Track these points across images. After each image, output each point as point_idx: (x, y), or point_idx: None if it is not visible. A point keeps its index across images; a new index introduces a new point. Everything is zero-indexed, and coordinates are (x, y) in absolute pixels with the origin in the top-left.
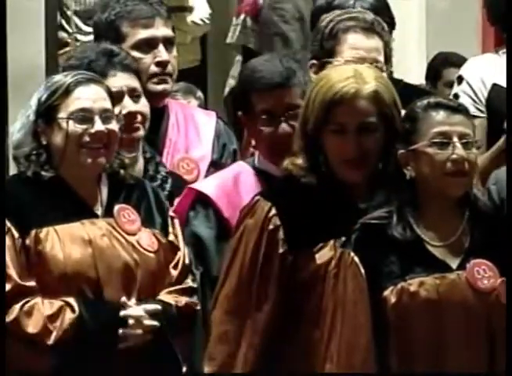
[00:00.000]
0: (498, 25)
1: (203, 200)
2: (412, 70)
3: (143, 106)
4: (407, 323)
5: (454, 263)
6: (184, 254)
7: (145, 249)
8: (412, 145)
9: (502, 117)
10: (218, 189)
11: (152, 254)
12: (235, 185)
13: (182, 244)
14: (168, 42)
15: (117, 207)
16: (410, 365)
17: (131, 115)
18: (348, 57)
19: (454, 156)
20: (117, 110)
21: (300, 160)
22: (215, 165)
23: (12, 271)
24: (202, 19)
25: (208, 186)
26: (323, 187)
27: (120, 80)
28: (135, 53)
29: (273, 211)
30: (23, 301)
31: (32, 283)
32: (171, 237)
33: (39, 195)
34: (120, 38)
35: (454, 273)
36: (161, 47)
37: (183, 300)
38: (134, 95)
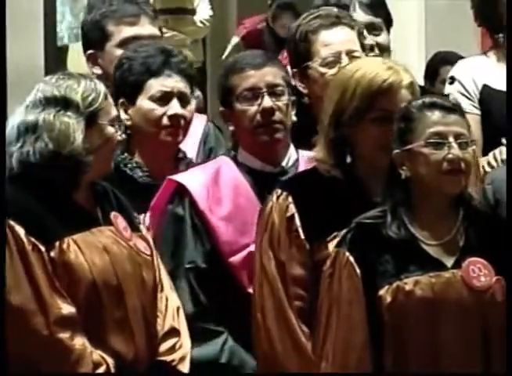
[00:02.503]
0: (485, 26)
1: (181, 192)
2: (411, 69)
3: (189, 112)
4: (403, 322)
5: (449, 262)
6: (155, 257)
7: (143, 253)
8: (408, 145)
9: (493, 117)
10: (197, 182)
11: (149, 257)
12: (215, 179)
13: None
14: (155, 41)
15: (112, 216)
16: (406, 364)
17: (176, 118)
18: (326, 55)
19: (450, 156)
20: (163, 109)
21: (323, 155)
22: None
23: (53, 295)
24: (202, 22)
25: (188, 177)
26: (343, 180)
27: (173, 82)
28: (121, 51)
29: (290, 200)
30: (70, 336)
31: (73, 310)
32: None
33: (47, 206)
34: (106, 37)
35: (449, 272)
36: None
37: (179, 355)
38: (184, 99)
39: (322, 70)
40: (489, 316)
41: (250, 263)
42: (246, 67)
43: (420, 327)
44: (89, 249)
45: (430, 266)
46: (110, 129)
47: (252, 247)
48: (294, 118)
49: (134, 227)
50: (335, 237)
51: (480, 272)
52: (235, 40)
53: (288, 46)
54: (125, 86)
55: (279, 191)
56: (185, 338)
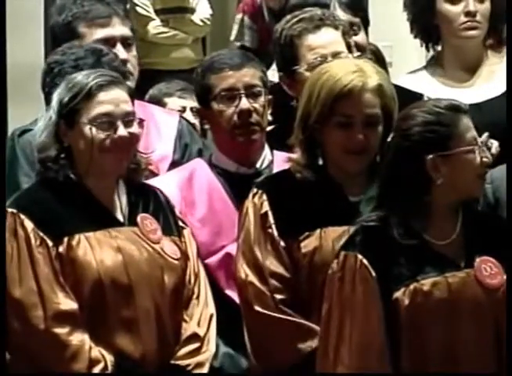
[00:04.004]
0: (421, 37)
1: None
2: (411, 70)
3: None
4: (421, 323)
5: (461, 261)
6: (194, 263)
7: (169, 256)
8: (446, 150)
9: None
10: (169, 185)
11: (176, 261)
12: (189, 182)
13: (191, 254)
14: (126, 41)
15: (139, 217)
16: (424, 364)
17: None
18: (311, 60)
19: (486, 160)
20: None
21: (297, 156)
22: (176, 165)
23: (55, 290)
24: (202, 20)
25: (161, 181)
26: (315, 180)
27: None
28: None
29: (264, 197)
30: (67, 331)
31: (74, 307)
32: (183, 247)
33: (65, 202)
34: (77, 39)
35: (463, 271)
36: (119, 46)
37: (196, 360)
38: None
39: (309, 74)
40: (501, 313)
41: (226, 265)
42: (224, 67)
43: (438, 327)
44: (101, 248)
45: (444, 267)
46: (87, 129)
47: (228, 249)
48: (270, 118)
49: (168, 231)
50: (307, 237)
51: (491, 270)
52: (238, 17)
53: (274, 50)
54: None
55: (255, 190)
56: (211, 345)
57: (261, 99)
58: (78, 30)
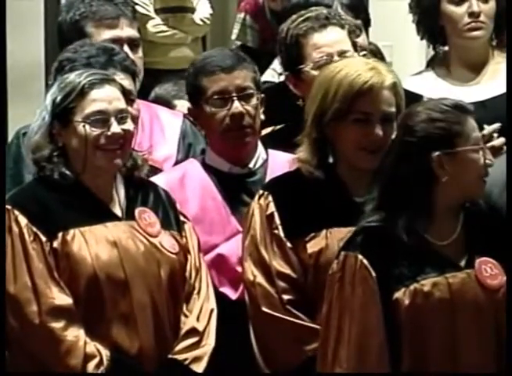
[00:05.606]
0: (427, 39)
1: None
2: (411, 69)
3: (135, 110)
4: (421, 323)
5: (461, 262)
6: (195, 258)
7: (167, 250)
8: (453, 148)
9: None
10: (160, 185)
11: (174, 256)
12: (181, 182)
13: (191, 248)
14: (133, 43)
15: (137, 211)
16: (424, 365)
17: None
18: (317, 58)
19: (488, 161)
20: None
21: (305, 155)
22: None
23: (50, 285)
24: (202, 20)
25: (155, 182)
26: (323, 180)
27: (118, 79)
28: None
29: (270, 199)
30: (62, 326)
31: (69, 302)
32: (183, 241)
33: (61, 198)
34: (84, 38)
35: (463, 272)
36: (126, 47)
37: (193, 355)
38: (129, 97)
39: (315, 73)
40: (501, 314)
41: (218, 264)
42: (216, 70)
43: (438, 327)
44: (96, 242)
45: (444, 267)
46: (81, 127)
47: (220, 249)
48: (263, 117)
49: (167, 225)
50: (313, 238)
51: (491, 271)
52: (240, 16)
53: (279, 49)
54: None
55: (261, 191)
56: (210, 339)
57: (254, 100)
58: (86, 30)
